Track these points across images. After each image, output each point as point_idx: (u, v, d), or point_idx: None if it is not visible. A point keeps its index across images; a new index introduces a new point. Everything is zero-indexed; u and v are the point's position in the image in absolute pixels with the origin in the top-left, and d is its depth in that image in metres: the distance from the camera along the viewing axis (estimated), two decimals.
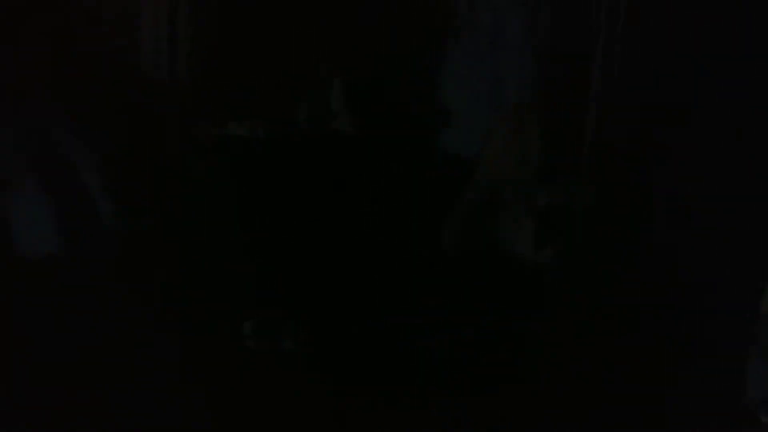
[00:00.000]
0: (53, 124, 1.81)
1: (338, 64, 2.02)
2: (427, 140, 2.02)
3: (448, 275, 2.01)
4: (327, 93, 2.03)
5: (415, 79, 2.01)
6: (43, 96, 1.82)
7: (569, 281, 1.93)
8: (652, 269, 1.78)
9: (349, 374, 1.94)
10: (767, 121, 1.73)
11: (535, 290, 2.01)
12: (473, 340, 1.95)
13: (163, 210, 1.95)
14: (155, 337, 1.88)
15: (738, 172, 1.70)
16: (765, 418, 1.66)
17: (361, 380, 1.92)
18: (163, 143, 1.93)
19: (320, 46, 2.01)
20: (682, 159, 1.73)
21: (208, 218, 1.99)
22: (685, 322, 1.74)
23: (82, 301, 1.84)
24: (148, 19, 1.92)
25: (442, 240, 2.04)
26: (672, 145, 1.74)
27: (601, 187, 1.86)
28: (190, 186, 1.97)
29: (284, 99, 2.01)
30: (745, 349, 1.71)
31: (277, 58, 1.99)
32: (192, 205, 1.97)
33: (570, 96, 1.93)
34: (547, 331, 1.94)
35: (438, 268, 2.02)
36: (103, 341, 1.82)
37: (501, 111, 1.99)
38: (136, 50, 1.94)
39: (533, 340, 1.93)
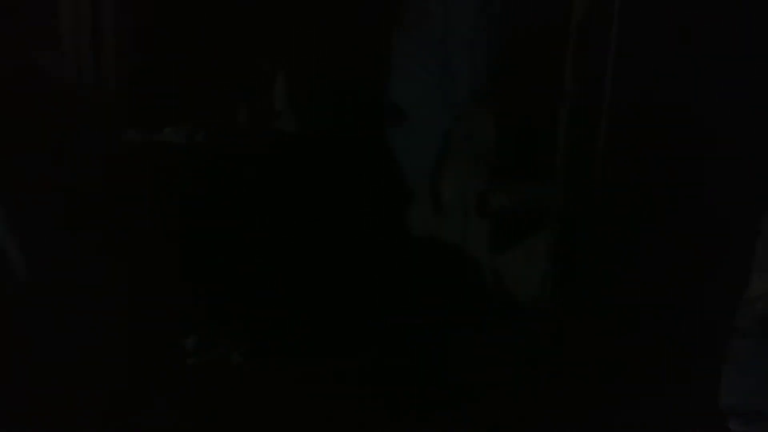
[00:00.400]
0: None
1: (280, 59, 1.88)
2: (378, 139, 1.91)
3: (401, 279, 1.93)
4: (269, 91, 1.89)
5: (364, 73, 1.88)
6: None
7: (529, 286, 1.88)
8: (617, 275, 1.73)
9: (303, 389, 1.85)
10: (736, 119, 1.68)
11: (492, 295, 1.95)
12: (426, 346, 1.89)
13: (96, 223, 1.81)
14: (90, 356, 1.78)
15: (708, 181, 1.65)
16: (734, 425, 1.64)
17: (315, 395, 1.84)
18: (89, 153, 1.76)
19: (260, 39, 1.86)
20: (651, 160, 1.67)
21: (145, 229, 1.85)
22: (658, 329, 1.70)
23: (12, 321, 1.72)
24: (67, 14, 1.73)
25: (395, 243, 1.95)
26: (643, 145, 1.68)
27: (563, 189, 1.79)
28: (123, 198, 1.82)
29: (223, 99, 1.86)
30: (718, 356, 1.68)
31: (212, 54, 1.83)
32: (128, 216, 1.83)
33: (530, 92, 1.84)
34: (505, 337, 1.90)
35: (391, 272, 1.93)
36: (38, 362, 1.71)
37: (456, 108, 1.89)
38: (54, 49, 1.75)
39: (488, 346, 1.89)
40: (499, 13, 1.85)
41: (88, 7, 1.71)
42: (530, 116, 1.86)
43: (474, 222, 1.91)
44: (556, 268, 1.81)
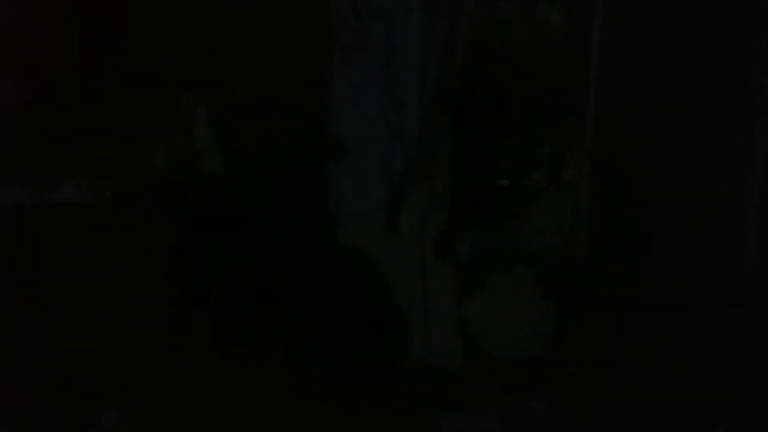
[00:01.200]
0: None
1: (201, 92, 1.59)
2: (319, 176, 1.65)
3: (350, 336, 1.72)
4: (189, 128, 1.60)
5: (300, 104, 1.62)
6: None
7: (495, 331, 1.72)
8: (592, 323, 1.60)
9: None
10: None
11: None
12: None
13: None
14: None
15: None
16: None
17: None
18: None
19: (178, 68, 1.56)
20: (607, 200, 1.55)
21: (58, 296, 1.57)
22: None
23: None
24: None
25: (338, 291, 1.72)
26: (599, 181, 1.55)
27: (521, 229, 1.63)
28: (19, 266, 1.52)
29: (136, 141, 1.56)
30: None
31: (123, 89, 1.53)
32: (33, 283, 1.55)
33: (486, 117, 1.64)
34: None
35: (339, 329, 1.71)
36: None
37: (404, 141, 1.65)
38: None
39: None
40: (447, 34, 1.61)
41: None
42: (487, 146, 1.66)
43: (434, 266, 1.71)
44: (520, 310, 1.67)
